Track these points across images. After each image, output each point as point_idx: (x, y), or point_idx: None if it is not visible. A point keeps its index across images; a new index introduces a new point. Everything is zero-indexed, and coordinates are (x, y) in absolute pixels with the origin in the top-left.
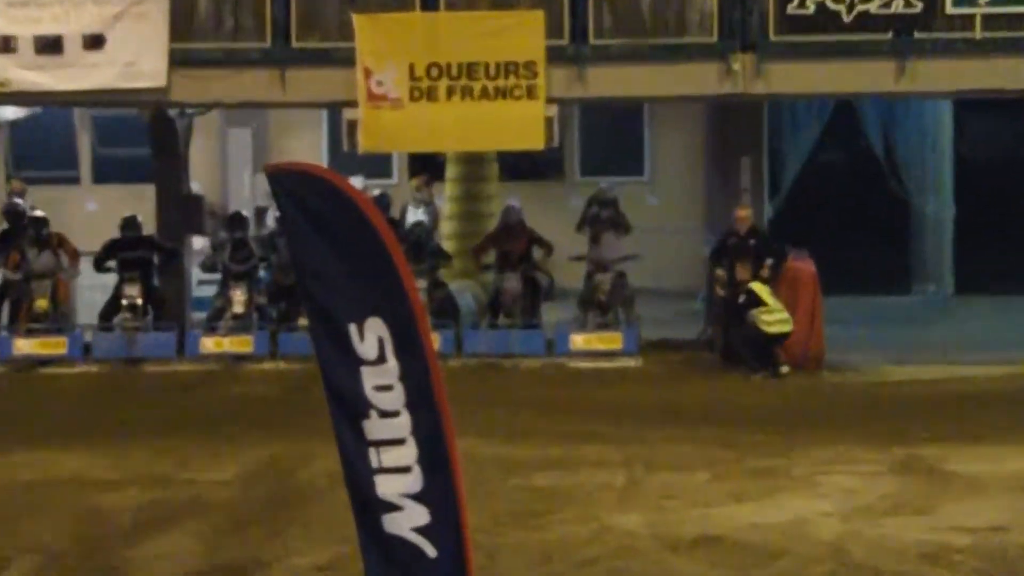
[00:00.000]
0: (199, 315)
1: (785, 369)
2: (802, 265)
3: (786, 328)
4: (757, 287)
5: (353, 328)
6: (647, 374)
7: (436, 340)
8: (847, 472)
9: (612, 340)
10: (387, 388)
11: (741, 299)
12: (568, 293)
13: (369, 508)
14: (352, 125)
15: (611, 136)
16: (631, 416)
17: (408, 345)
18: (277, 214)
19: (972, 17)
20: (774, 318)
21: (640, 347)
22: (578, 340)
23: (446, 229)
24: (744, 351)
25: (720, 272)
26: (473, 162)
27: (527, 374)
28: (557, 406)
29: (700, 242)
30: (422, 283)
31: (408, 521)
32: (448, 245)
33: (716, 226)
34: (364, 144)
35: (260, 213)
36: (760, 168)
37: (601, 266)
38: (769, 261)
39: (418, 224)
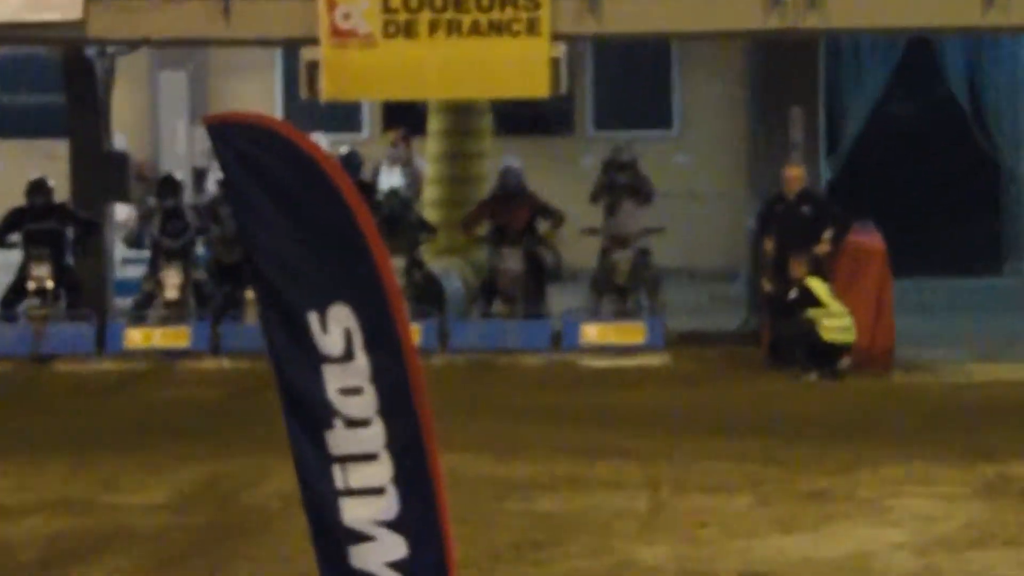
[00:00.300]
0: (123, 302)
1: (845, 365)
2: (867, 239)
3: (848, 338)
4: (814, 284)
5: (313, 317)
6: (675, 374)
7: (416, 332)
8: (922, 494)
9: (633, 332)
10: (355, 391)
11: (792, 294)
12: (579, 274)
13: (332, 538)
14: (312, 67)
15: (632, 82)
16: (656, 425)
17: (381, 338)
18: (219, 177)
19: None
20: (835, 324)
21: (667, 341)
22: (591, 332)
23: (429, 195)
24: (795, 346)
25: (768, 245)
26: (462, 113)
27: (528, 374)
28: (565, 413)
29: (741, 210)
30: (399, 262)
31: (381, 554)
32: (431, 215)
33: (761, 191)
34: (328, 91)
35: (199, 175)
36: (815, 120)
37: (619, 241)
38: (827, 233)
39: (394, 190)
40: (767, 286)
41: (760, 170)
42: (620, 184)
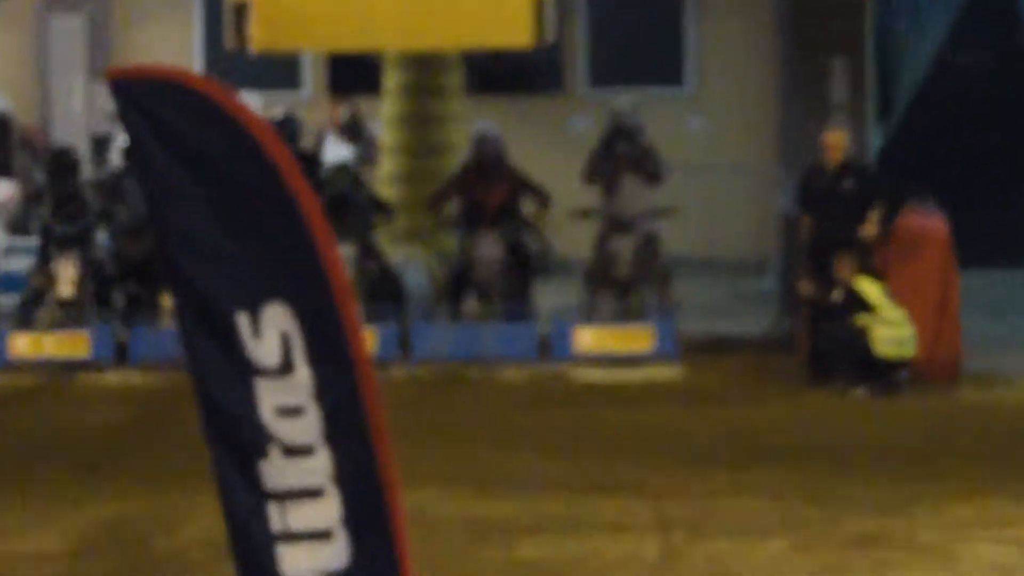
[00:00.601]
0: (6, 300)
1: (901, 378)
2: (926, 222)
3: (906, 352)
4: (865, 286)
5: (243, 319)
6: (691, 389)
7: (371, 338)
8: (996, 539)
9: (638, 337)
10: (296, 411)
11: (835, 296)
12: (571, 266)
13: None
14: (240, 11)
15: (635, 28)
16: (667, 454)
17: (327, 345)
18: (125, 145)
19: None
20: (890, 334)
21: (681, 348)
22: (586, 337)
23: (386, 169)
24: (840, 356)
25: (805, 230)
26: (426, 68)
27: (510, 389)
28: (555, 438)
29: (770, 186)
30: (349, 251)
31: None
32: (388, 193)
33: (795, 162)
34: (259, 40)
35: (99, 144)
36: (862, 74)
37: (621, 225)
38: (875, 214)
39: (342, 163)
40: (806, 288)
41: (794, 136)
42: (621, 155)
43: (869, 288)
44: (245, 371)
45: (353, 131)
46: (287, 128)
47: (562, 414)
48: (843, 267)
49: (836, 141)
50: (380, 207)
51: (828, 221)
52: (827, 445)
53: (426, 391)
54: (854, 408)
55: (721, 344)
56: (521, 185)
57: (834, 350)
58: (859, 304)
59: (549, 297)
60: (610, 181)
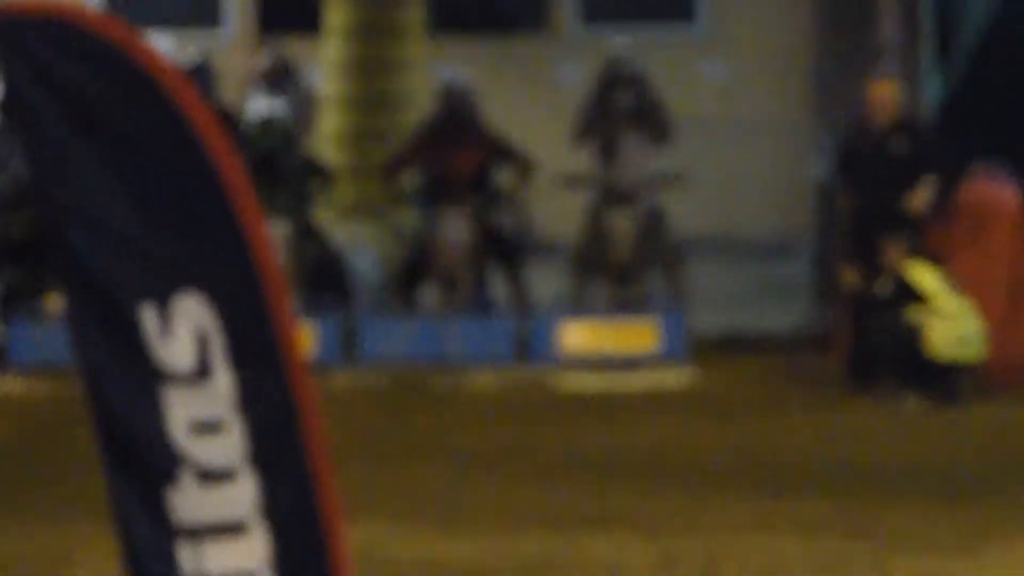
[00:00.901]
0: None
1: (963, 385)
2: (995, 194)
3: (971, 353)
4: (919, 273)
5: (149, 313)
6: (704, 398)
7: (309, 335)
8: None
9: (639, 334)
10: (214, 427)
11: (882, 285)
12: (557, 247)
13: None
14: None
15: None
16: (674, 478)
17: (253, 345)
18: (2, 98)
19: None
20: (950, 332)
21: (691, 347)
22: (576, 335)
23: (327, 127)
24: (889, 358)
25: (846, 203)
26: (378, 3)
27: (479, 400)
28: (536, 460)
29: (803, 150)
30: (282, 229)
31: None
32: (331, 156)
33: (833, 119)
34: None
35: None
36: (915, 9)
37: (619, 196)
38: (928, 183)
39: (271, 119)
40: (847, 275)
41: (831, 88)
42: (620, 109)
43: (924, 275)
44: (151, 377)
45: (281, 81)
46: (202, 78)
47: (544, 430)
48: (892, 249)
49: (885, 95)
50: (318, 173)
51: (874, 193)
52: (871, 467)
53: (377, 402)
54: (905, 421)
55: (740, 343)
56: (497, 149)
57: (880, 350)
58: (911, 294)
59: (530, 284)
60: (606, 141)
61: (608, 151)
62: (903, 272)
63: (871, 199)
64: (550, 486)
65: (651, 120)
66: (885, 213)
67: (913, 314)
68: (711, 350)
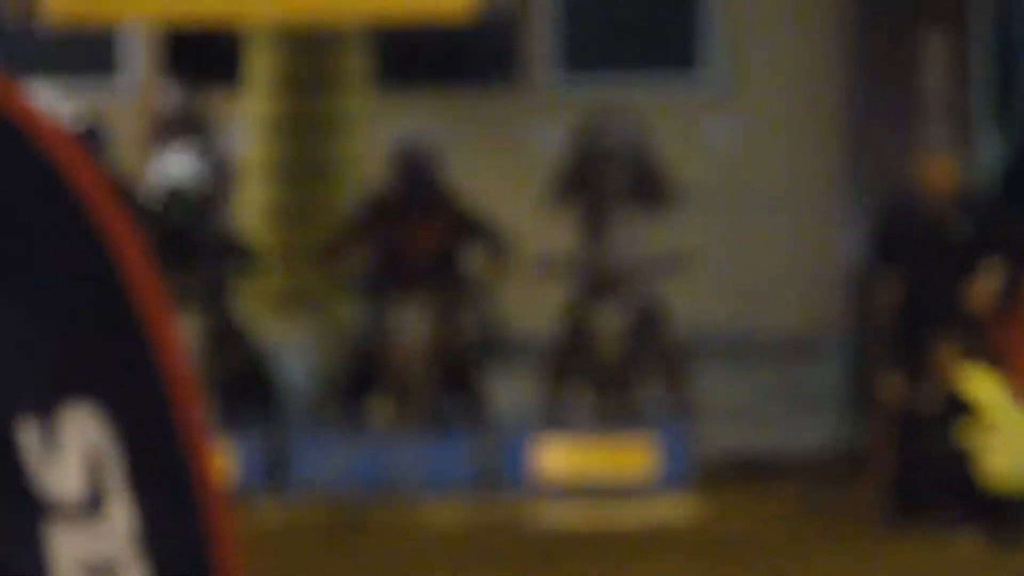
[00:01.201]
0: None
1: None
2: None
3: None
4: (977, 382)
5: (29, 428)
6: (713, 535)
7: (228, 457)
8: None
9: (633, 455)
10: (107, 571)
11: (931, 396)
12: (530, 346)
13: None
14: None
15: None
16: None
17: (158, 468)
18: None
19: None
20: (1015, 455)
21: (698, 471)
22: (554, 456)
23: (251, 199)
24: (939, 485)
25: (890, 285)
26: (314, 48)
27: (437, 539)
28: None
29: (835, 227)
30: (196, 323)
31: None
32: (255, 233)
33: (870, 188)
34: (56, 8)
35: None
36: (966, 57)
37: (607, 283)
38: (992, 270)
39: (179, 188)
40: (889, 383)
41: (868, 153)
42: (608, 178)
43: (982, 384)
44: (30, 510)
45: (192, 139)
46: (94, 137)
47: None
48: (944, 351)
49: (940, 170)
50: (238, 254)
51: (923, 282)
52: None
53: (311, 541)
54: (959, 563)
55: (757, 466)
56: (465, 225)
57: (928, 477)
58: (966, 409)
59: (500, 395)
60: (591, 215)
61: (593, 228)
62: (957, 379)
63: (919, 290)
64: None
65: (647, 190)
66: (936, 307)
67: (968, 432)
68: (722, 474)
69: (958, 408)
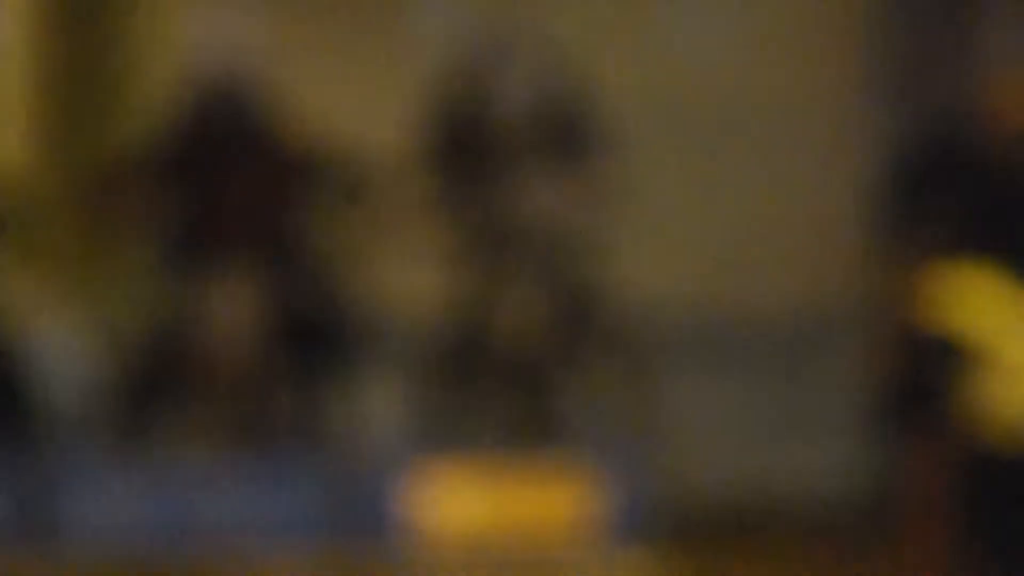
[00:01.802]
0: None
1: None
2: None
3: None
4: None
5: None
6: None
7: None
8: None
9: (559, 493)
10: None
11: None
12: (404, 337)
13: None
14: None
15: None
16: None
17: None
18: None
19: None
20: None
21: (661, 518)
22: (440, 491)
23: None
24: (996, 545)
25: (929, 249)
26: None
27: None
28: None
29: (851, 171)
30: None
31: None
32: None
33: (905, 119)
34: None
35: None
36: None
37: (513, 252)
38: None
39: None
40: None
41: (905, 63)
42: (499, 136)
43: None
44: None
45: None
46: None
47: None
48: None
49: (1016, 91)
50: None
51: (980, 254)
52: None
53: None
54: None
55: (746, 508)
56: (306, 167)
57: (1012, 532)
58: None
59: (361, 404)
60: (478, 180)
61: (485, 181)
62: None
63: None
64: None
65: (561, 131)
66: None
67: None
68: (695, 522)
69: None
